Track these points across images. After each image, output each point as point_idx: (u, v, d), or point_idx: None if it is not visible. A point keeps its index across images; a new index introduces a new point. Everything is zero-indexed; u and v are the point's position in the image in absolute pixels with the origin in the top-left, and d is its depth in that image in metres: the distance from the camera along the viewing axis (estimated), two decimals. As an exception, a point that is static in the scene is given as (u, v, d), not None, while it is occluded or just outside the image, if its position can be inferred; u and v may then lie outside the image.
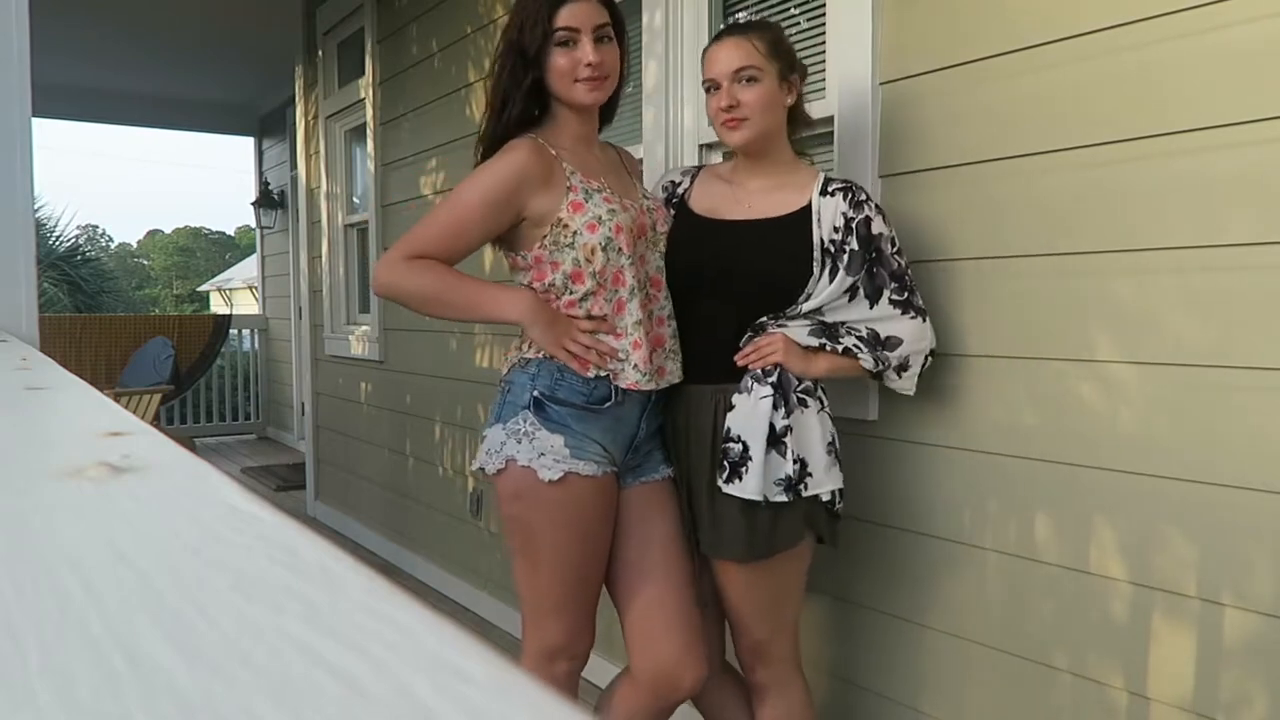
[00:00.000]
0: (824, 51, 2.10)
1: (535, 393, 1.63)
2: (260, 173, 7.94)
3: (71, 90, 6.93)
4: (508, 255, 1.73)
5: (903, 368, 1.70)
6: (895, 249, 1.68)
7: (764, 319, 1.67)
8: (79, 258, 15.00)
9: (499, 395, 1.70)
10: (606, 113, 1.81)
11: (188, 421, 7.53)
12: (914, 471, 1.88)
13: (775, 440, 1.59)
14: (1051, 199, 1.63)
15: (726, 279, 1.71)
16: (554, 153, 1.66)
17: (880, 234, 1.66)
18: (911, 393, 1.74)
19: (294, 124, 5.72)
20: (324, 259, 4.79)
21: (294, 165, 6.08)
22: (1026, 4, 1.66)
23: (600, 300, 1.65)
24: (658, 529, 1.73)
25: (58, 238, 14.75)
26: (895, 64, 1.89)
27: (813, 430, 1.64)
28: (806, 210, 1.69)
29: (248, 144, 8.17)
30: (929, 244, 1.83)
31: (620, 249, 1.63)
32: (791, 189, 1.72)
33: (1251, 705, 1.40)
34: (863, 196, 1.68)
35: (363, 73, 4.29)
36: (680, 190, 1.84)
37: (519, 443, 1.62)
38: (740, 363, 1.66)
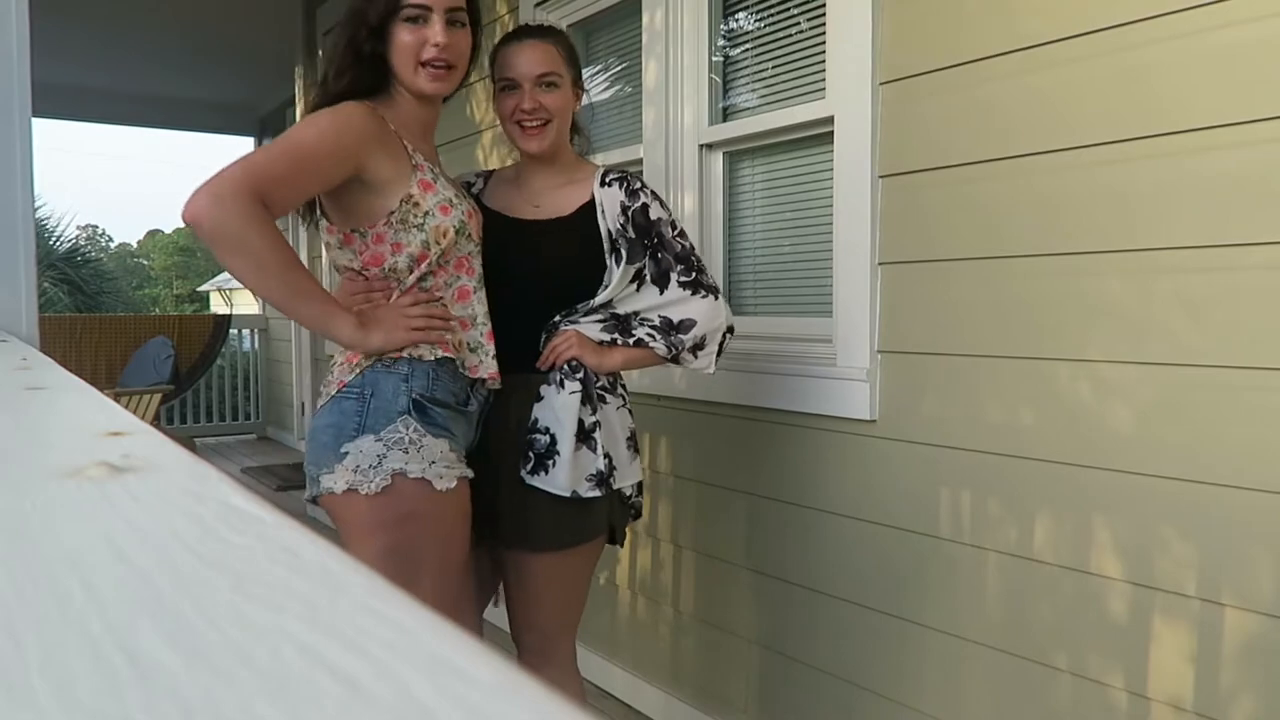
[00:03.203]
0: (824, 51, 2.10)
1: (415, 394, 1.47)
2: (260, 173, 7.92)
3: (71, 90, 6.92)
4: (336, 230, 1.55)
5: (698, 347, 1.73)
6: (676, 232, 1.73)
7: (555, 318, 1.69)
8: (79, 258, 15.02)
9: (351, 403, 1.48)
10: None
11: (188, 421, 7.53)
12: (913, 472, 1.88)
13: (585, 436, 1.63)
14: (1051, 199, 1.63)
15: (529, 277, 1.71)
16: (392, 127, 1.54)
17: (659, 219, 1.71)
18: (711, 371, 1.77)
19: (294, 124, 5.71)
20: (324, 259, 4.79)
21: (294, 165, 6.06)
22: (1026, 4, 1.66)
23: (440, 281, 1.55)
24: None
25: (58, 238, 14.77)
26: (895, 64, 1.88)
27: (614, 425, 1.69)
28: (591, 204, 1.72)
29: (248, 144, 8.16)
30: (930, 244, 1.83)
31: (470, 235, 1.57)
32: (575, 185, 1.75)
33: (1252, 706, 1.40)
34: (637, 185, 1.73)
35: (363, 73, 4.28)
36: (475, 190, 1.82)
37: (405, 453, 1.44)
38: (541, 366, 1.67)
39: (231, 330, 7.74)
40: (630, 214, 1.70)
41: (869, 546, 1.98)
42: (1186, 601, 1.48)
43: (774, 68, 2.32)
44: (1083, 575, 1.61)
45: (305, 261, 5.39)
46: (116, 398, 4.79)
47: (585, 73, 2.94)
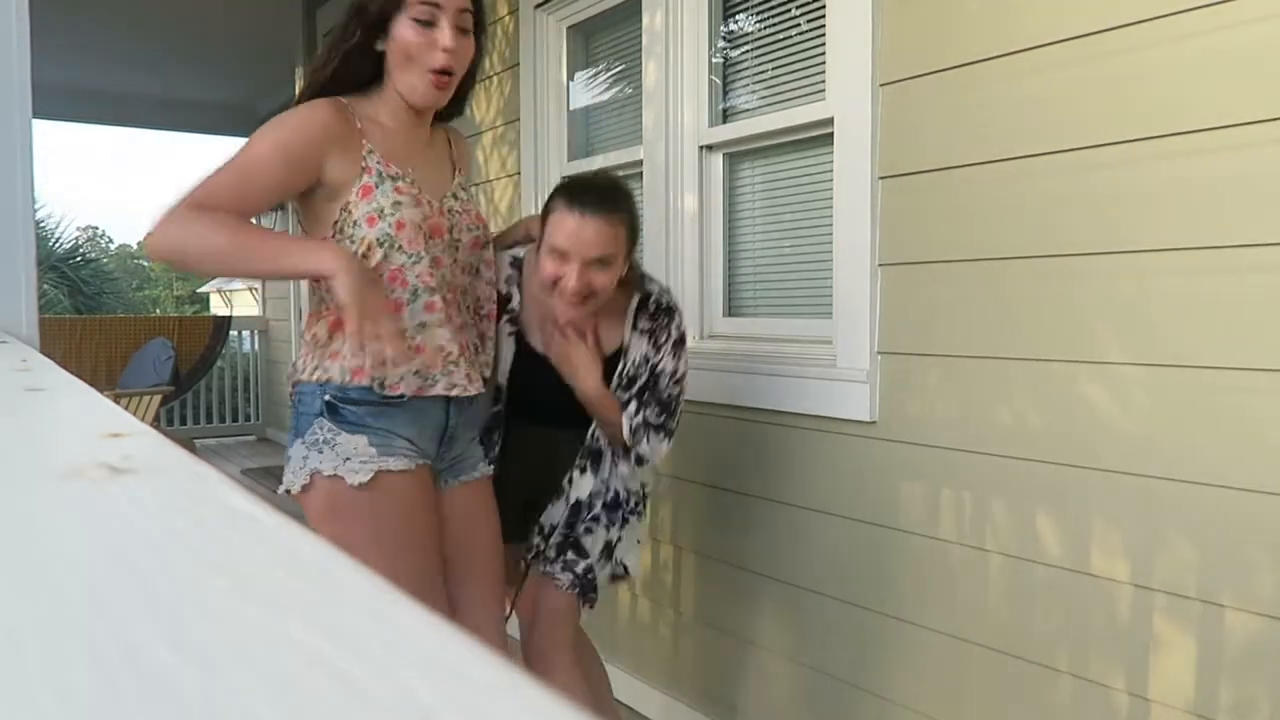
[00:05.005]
0: (824, 51, 2.10)
1: (326, 397, 1.51)
2: (260, 174, 7.92)
3: (72, 91, 6.92)
4: (309, 236, 1.58)
5: (639, 461, 1.80)
6: (674, 378, 1.77)
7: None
8: (79, 259, 15.02)
9: (292, 411, 1.59)
10: (452, 108, 1.68)
11: (188, 423, 7.53)
12: (913, 473, 1.88)
13: (608, 552, 1.85)
14: (1051, 201, 1.63)
15: (559, 414, 1.79)
16: (359, 125, 1.51)
17: (662, 371, 1.75)
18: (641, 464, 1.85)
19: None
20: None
21: (294, 166, 6.05)
22: (1025, 7, 1.66)
23: None
24: (481, 531, 1.71)
25: (58, 239, 14.78)
26: (895, 64, 1.88)
27: (631, 534, 1.89)
28: (619, 349, 1.77)
29: (248, 145, 8.16)
30: (930, 245, 1.83)
31: (401, 247, 1.49)
32: (610, 318, 1.75)
33: (1253, 707, 1.40)
34: (663, 338, 1.75)
35: (363, 74, 4.27)
36: (514, 305, 1.78)
37: (320, 452, 1.50)
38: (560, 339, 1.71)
39: (231, 331, 7.74)
40: (651, 365, 1.76)
41: (868, 548, 1.98)
42: (1188, 603, 1.48)
43: (774, 69, 2.32)
44: (1083, 577, 1.61)
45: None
46: (116, 399, 4.79)
47: (584, 74, 2.96)
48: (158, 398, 5.25)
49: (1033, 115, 1.65)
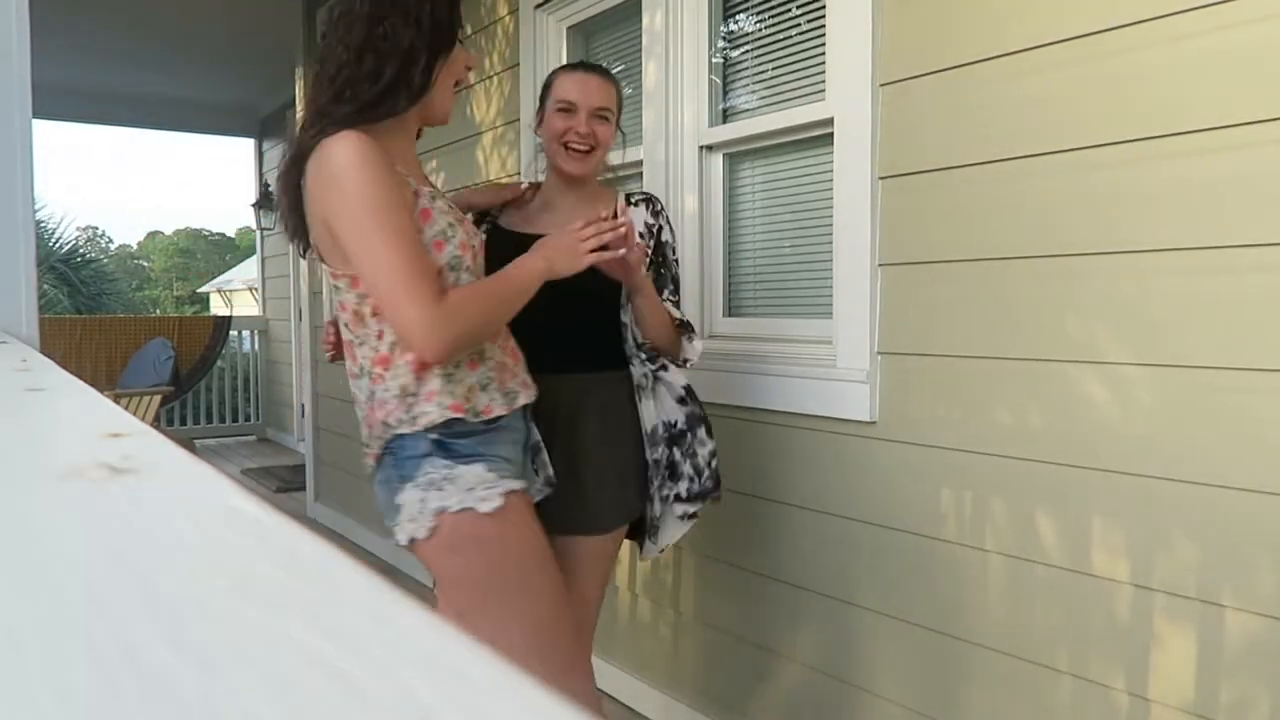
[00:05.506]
0: (824, 51, 2.10)
1: (432, 436, 1.46)
2: (261, 174, 7.93)
3: (72, 91, 6.93)
4: (342, 274, 1.45)
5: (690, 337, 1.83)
6: (674, 255, 1.90)
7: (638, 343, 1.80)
8: (79, 259, 15.02)
9: (389, 458, 1.49)
10: None
11: (188, 423, 7.53)
12: (913, 473, 1.88)
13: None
14: (1051, 201, 1.63)
15: (573, 292, 1.67)
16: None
17: (666, 242, 1.88)
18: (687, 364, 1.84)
19: (295, 125, 5.71)
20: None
21: (294, 166, 6.04)
22: (1027, 6, 1.66)
23: None
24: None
25: (58, 239, 14.78)
26: (895, 64, 1.89)
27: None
28: None
29: (248, 145, 8.17)
30: (930, 245, 1.83)
31: (468, 268, 1.47)
32: (600, 203, 1.82)
33: (1253, 707, 1.40)
34: (659, 206, 1.89)
35: (363, 74, 4.27)
36: (505, 219, 1.89)
37: (440, 490, 1.45)
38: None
39: (231, 332, 7.74)
40: (654, 232, 1.85)
41: (868, 548, 1.98)
42: (1188, 603, 1.48)
43: (774, 69, 2.32)
44: (1083, 577, 1.61)
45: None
46: (116, 399, 4.79)
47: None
48: (158, 398, 5.25)
49: (1033, 115, 1.65)
